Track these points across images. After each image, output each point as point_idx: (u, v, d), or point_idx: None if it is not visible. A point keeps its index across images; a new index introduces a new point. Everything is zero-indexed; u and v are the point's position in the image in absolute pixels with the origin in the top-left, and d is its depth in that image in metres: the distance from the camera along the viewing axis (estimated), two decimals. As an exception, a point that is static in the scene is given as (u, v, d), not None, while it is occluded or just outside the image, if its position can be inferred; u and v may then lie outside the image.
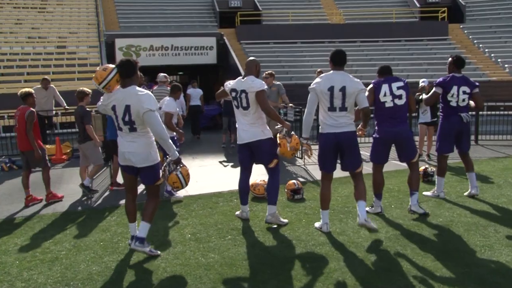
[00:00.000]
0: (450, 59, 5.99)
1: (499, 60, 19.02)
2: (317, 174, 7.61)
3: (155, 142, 4.31)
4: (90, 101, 6.90)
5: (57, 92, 10.81)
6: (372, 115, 5.24)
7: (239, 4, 23.42)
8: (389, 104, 5.10)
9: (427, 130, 9.06)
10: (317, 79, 4.73)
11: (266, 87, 4.93)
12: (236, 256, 4.28)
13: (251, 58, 5.17)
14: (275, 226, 5.06)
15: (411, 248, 4.36)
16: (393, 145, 5.33)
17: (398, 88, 5.10)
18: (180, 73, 26.37)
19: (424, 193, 6.17)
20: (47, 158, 6.62)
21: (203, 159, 9.69)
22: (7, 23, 19.72)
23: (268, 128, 5.10)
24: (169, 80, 9.98)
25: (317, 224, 5.01)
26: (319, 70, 11.07)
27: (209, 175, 8.10)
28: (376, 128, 5.32)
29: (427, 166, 7.23)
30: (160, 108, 5.59)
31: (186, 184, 4.51)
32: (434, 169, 6.76)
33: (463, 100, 5.78)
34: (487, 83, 16.49)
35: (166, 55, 18.48)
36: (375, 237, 4.67)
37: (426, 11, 23.35)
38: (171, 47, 18.47)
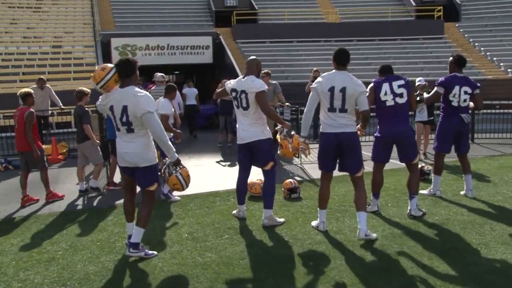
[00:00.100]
0: (451, 58, 5.91)
1: (494, 58, 19.08)
2: (313, 173, 7.63)
3: (153, 142, 4.26)
4: (89, 100, 6.89)
5: (53, 92, 10.75)
6: (373, 114, 5.22)
7: (235, 3, 23.37)
8: (390, 102, 5.08)
9: (423, 128, 9.10)
10: (319, 79, 4.68)
11: (266, 87, 4.83)
12: (233, 255, 4.29)
13: (252, 57, 5.07)
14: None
15: (408, 247, 4.38)
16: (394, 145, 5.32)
17: (399, 86, 5.07)
18: (176, 72, 26.34)
19: (421, 191, 6.18)
20: (45, 158, 6.61)
21: (199, 159, 9.68)
22: (2, 23, 19.59)
23: (268, 128, 5.05)
24: (166, 79, 9.96)
25: (314, 223, 5.01)
26: (315, 69, 11.13)
27: (206, 174, 8.10)
28: (378, 127, 5.31)
29: (423, 164, 7.25)
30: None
31: (187, 186, 4.41)
32: (431, 167, 6.78)
33: (465, 100, 5.76)
34: (483, 82, 16.45)
35: (162, 54, 18.43)
36: (372, 235, 4.68)
37: (422, 9, 23.42)
38: (167, 47, 18.41)
